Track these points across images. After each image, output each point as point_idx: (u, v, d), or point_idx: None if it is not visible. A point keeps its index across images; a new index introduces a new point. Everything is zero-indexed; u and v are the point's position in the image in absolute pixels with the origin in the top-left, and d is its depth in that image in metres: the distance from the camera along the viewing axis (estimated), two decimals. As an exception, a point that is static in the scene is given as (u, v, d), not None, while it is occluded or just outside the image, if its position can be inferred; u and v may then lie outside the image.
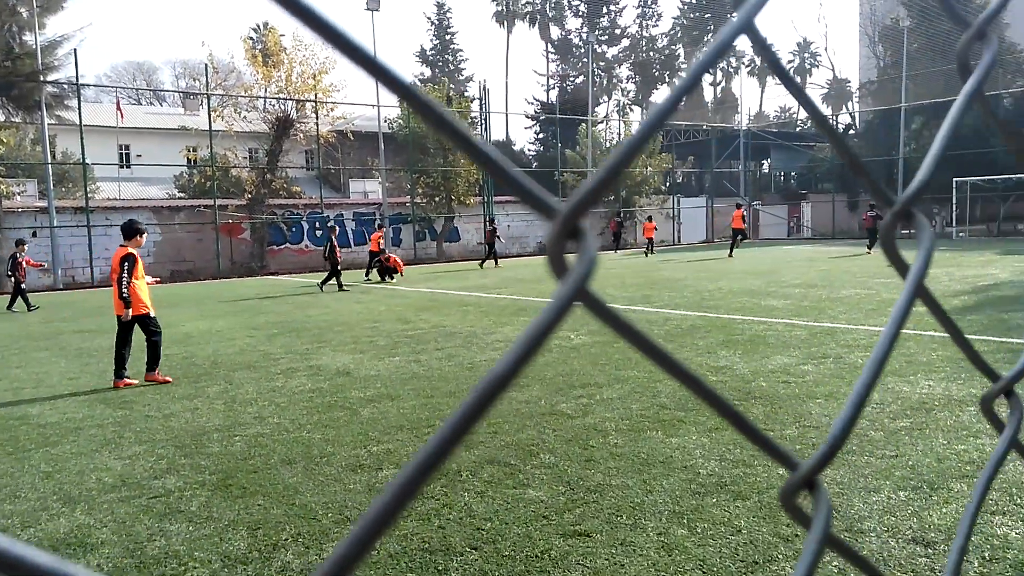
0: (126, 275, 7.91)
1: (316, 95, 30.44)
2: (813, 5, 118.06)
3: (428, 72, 63.32)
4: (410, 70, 62.42)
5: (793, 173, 49.99)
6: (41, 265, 19.85)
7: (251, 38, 37.12)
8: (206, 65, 29.09)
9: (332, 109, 31.62)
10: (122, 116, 36.88)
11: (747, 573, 3.38)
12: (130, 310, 8.03)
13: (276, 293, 19.38)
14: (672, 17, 79.36)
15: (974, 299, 12.20)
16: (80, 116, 25.42)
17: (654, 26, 68.41)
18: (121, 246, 8.13)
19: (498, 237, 27.22)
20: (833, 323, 10.17)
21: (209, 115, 28.74)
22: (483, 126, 35.58)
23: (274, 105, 30.63)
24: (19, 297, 16.96)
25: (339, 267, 19.18)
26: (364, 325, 12.09)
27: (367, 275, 22.82)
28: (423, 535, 3.91)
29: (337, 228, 21.60)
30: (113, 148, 38.41)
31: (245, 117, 30.56)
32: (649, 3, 66.87)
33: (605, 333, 10.08)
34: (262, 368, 8.73)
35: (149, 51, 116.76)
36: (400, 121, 34.68)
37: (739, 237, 27.92)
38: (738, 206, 29.05)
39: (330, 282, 19.21)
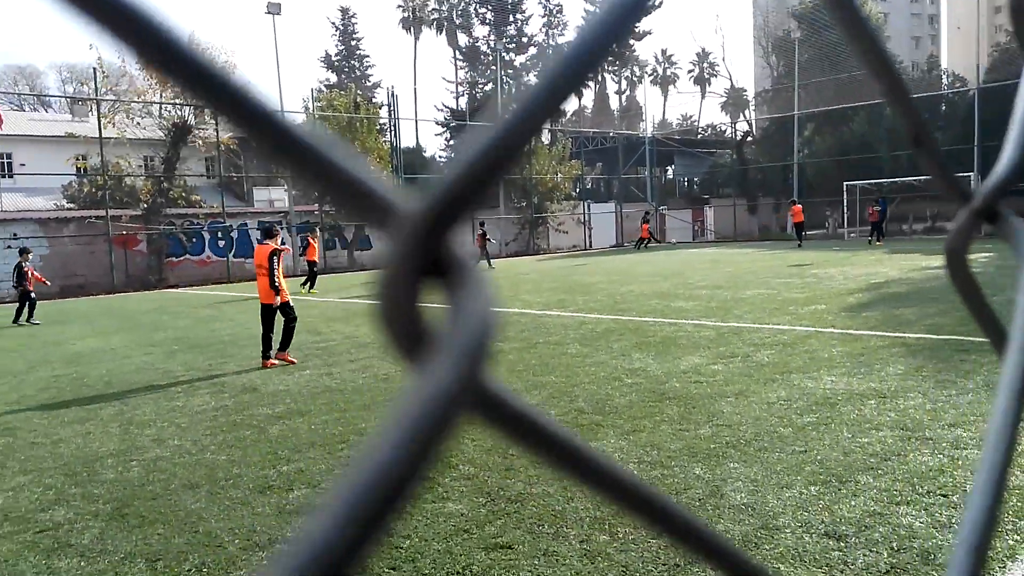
0: (277, 267, 9.19)
1: (216, 100, 29.31)
2: (710, 17, 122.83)
3: (334, 78, 62.14)
4: (315, 75, 61.20)
5: (696, 179, 51.71)
6: (44, 281, 18.45)
7: (145, 41, 35.31)
8: (95, 69, 27.59)
9: (234, 115, 30.52)
10: (2, 123, 34.56)
11: (670, 576, 3.37)
12: (279, 297, 9.20)
13: (176, 307, 18.50)
14: (576, 26, 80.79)
15: (868, 296, 12.85)
16: (-47, 122, 23.63)
17: (560, 35, 69.50)
18: (263, 244, 9.41)
19: (489, 239, 28.01)
20: (739, 323, 10.48)
21: (99, 121, 27.26)
22: (392, 132, 35.16)
23: (170, 111, 29.33)
24: (25, 308, 16.38)
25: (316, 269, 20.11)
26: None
27: (308, 287, 20.50)
28: (338, 557, 3.74)
29: (317, 232, 21.59)
30: (-8, 156, 35.90)
31: (139, 123, 29.14)
32: (555, 12, 67.88)
33: (520, 340, 10.07)
34: (161, 387, 8.26)
35: (32, 54, 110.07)
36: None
37: (646, 242, 31.94)
38: (645, 220, 32.93)
39: (312, 285, 20.02)
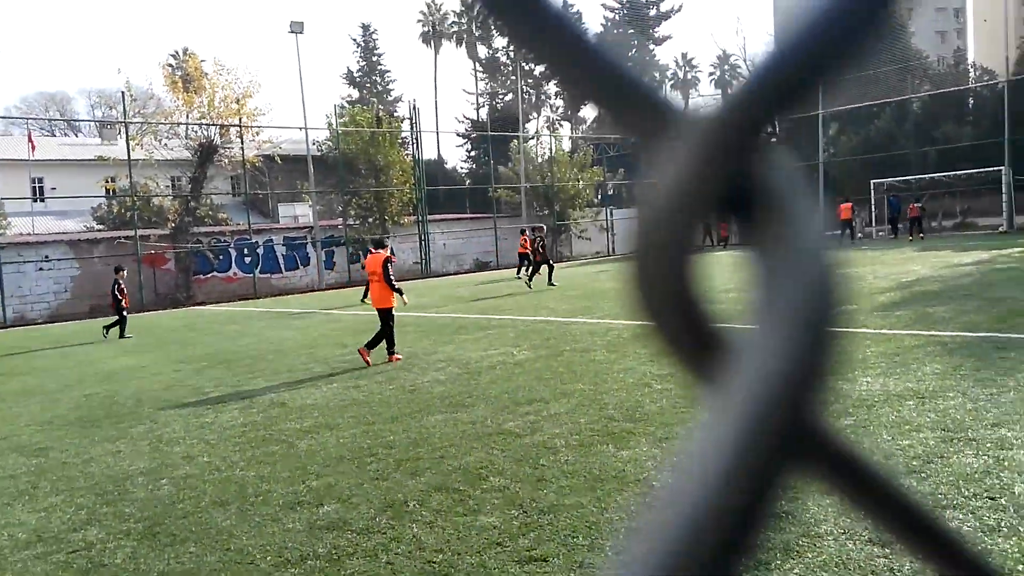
0: (392, 273, 10.20)
1: (240, 119, 29.70)
2: (731, 19, 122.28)
3: (356, 94, 62.74)
4: (338, 92, 61.77)
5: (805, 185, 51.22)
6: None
7: (170, 64, 35.99)
8: (123, 93, 28.07)
9: (258, 133, 30.88)
10: (34, 148, 35.29)
11: (709, 588, 3.27)
12: (398, 300, 10.21)
13: (204, 324, 18.68)
14: (595, 33, 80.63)
15: (899, 295, 12.59)
16: (-14, 149, 24.14)
17: (578, 42, 69.50)
18: (376, 253, 10.50)
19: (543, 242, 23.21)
20: (770, 326, 10.30)
21: (128, 143, 27.69)
22: (414, 145, 35.33)
23: (196, 131, 29.73)
24: (119, 323, 16.89)
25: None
26: (299, 352, 11.70)
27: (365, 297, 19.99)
28: (370, 573, 3.69)
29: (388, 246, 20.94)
30: (25, 181, 36.64)
31: (166, 145, 29.56)
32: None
33: (547, 348, 9.99)
34: (190, 404, 8.30)
35: (62, 81, 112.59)
36: (329, 143, 34.16)
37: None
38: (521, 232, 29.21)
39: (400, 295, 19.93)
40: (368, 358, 9.82)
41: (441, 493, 4.71)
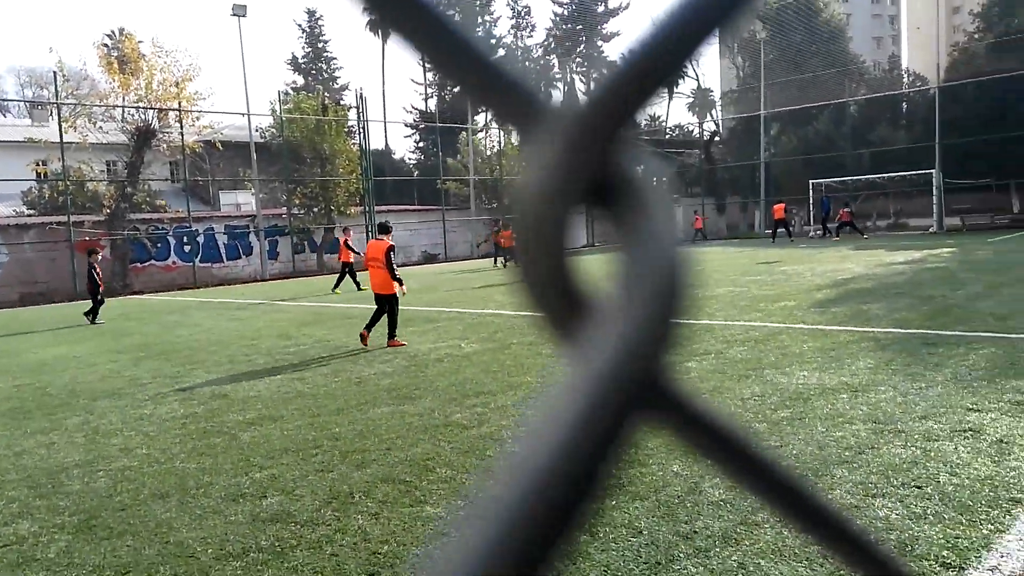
0: (395, 260, 10.13)
1: (180, 104, 28.87)
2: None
3: (301, 80, 61.57)
4: (282, 78, 60.56)
5: (664, 179, 52.02)
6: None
7: (105, 44, 34.68)
8: (55, 73, 26.99)
9: (198, 118, 30.08)
10: (-42, 127, 33.65)
11: (651, 574, 3.35)
12: (400, 287, 10.11)
13: (142, 314, 18.15)
14: (545, 28, 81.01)
15: (835, 292, 13.02)
16: (-94, 126, 22.93)
17: (528, 36, 69.63)
18: (380, 239, 10.25)
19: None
20: (711, 320, 10.55)
21: (60, 126, 26.66)
22: (361, 135, 34.90)
23: (133, 115, 28.79)
24: (95, 308, 16.40)
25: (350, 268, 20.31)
26: (241, 343, 11.48)
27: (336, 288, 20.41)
28: (315, 565, 3.66)
29: (350, 233, 21.85)
30: (-52, 162, 34.91)
31: (101, 128, 28.55)
32: (523, 14, 67.98)
33: (494, 342, 10.03)
34: (128, 395, 8.07)
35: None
36: (273, 130, 33.50)
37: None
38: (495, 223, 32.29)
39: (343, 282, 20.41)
40: (400, 342, 10.07)
41: (387, 484, 4.71)
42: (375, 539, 3.91)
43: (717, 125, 54.39)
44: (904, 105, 40.38)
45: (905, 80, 46.99)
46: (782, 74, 41.66)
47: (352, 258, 20.32)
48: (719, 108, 60.92)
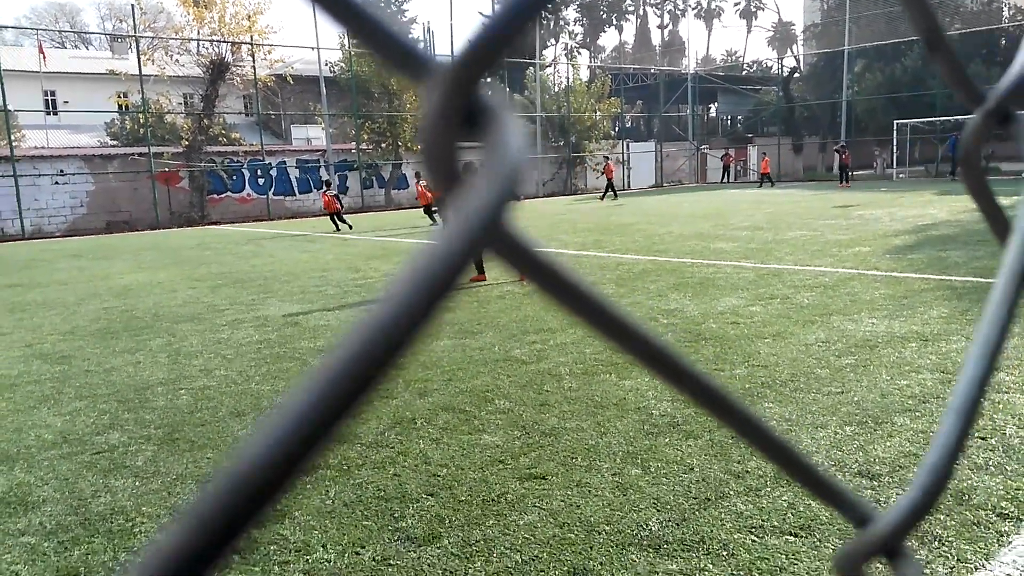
0: None
1: (252, 37, 29.20)
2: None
3: (371, 13, 61.19)
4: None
5: (740, 117, 50.37)
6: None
7: (181, -24, 35.15)
8: (132, 6, 27.57)
9: (270, 52, 30.41)
10: (45, 60, 34.92)
11: (700, 509, 3.43)
12: None
13: (219, 243, 18.85)
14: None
15: (913, 238, 12.54)
16: (-1, 59, 23.92)
17: (602, -34, 67.27)
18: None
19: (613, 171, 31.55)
20: (780, 264, 10.34)
21: (139, 59, 27.37)
22: (429, 69, 34.64)
23: (208, 48, 29.30)
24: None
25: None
26: (312, 275, 11.86)
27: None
28: (378, 483, 3.87)
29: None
30: (38, 94, 36.39)
31: (178, 61, 29.20)
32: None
33: (557, 278, 10.08)
34: (207, 320, 8.49)
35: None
36: (342, 64, 33.61)
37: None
38: (606, 158, 34.38)
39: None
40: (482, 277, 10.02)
41: (448, 413, 4.89)
42: (435, 462, 4.10)
43: (797, 61, 52.00)
44: (1003, 40, 37.70)
45: (1005, 13, 43.74)
46: (869, 6, 39.31)
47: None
48: (800, 43, 58.07)
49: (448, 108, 0.20)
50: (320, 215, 25.98)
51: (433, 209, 20.78)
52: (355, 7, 0.20)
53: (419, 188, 22.20)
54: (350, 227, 20.99)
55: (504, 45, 0.22)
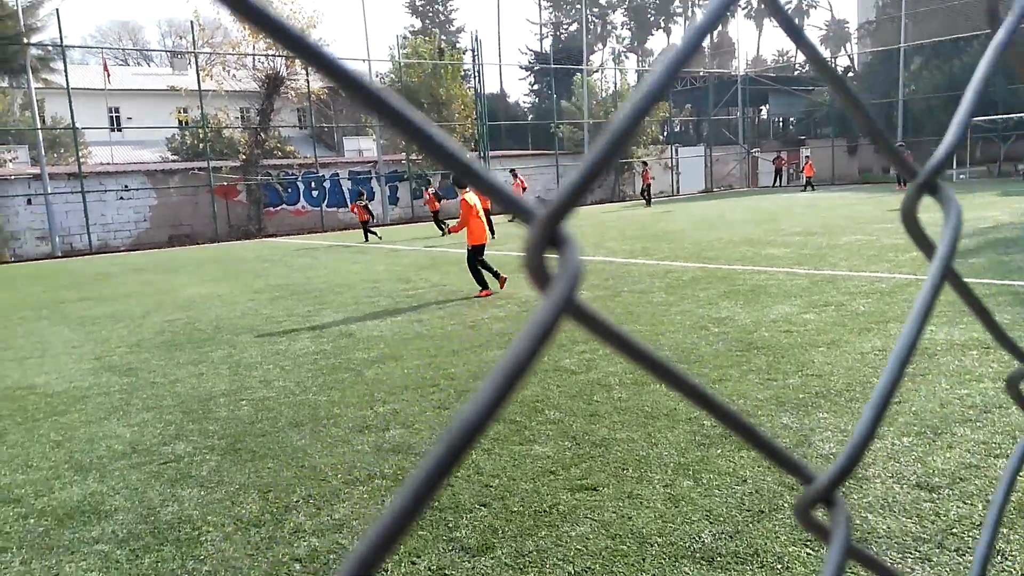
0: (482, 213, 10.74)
1: (306, 51, 29.86)
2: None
3: (418, 23, 62.11)
4: (400, 22, 61.23)
5: (792, 119, 49.43)
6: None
7: (237, -6, 36.05)
8: (192, 22, 28.53)
9: (323, 65, 31.04)
10: (109, 77, 36.34)
11: (753, 522, 3.42)
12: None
13: (275, 256, 19.34)
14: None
15: (975, 241, 12.17)
16: (67, 79, 24.97)
17: (647, -29, 66.87)
18: (463, 190, 10.53)
19: (654, 178, 32.86)
20: (834, 270, 10.16)
21: (198, 74, 28.29)
22: (476, 78, 35.03)
23: (263, 62, 30.12)
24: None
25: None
26: (364, 286, 12.09)
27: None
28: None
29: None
30: (103, 111, 37.91)
31: (235, 75, 30.09)
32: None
33: (605, 288, 10.10)
34: (265, 331, 8.75)
35: (133, 10, 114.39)
36: (392, 76, 34.14)
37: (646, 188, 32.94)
38: (644, 164, 33.75)
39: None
40: (503, 285, 10.46)
41: (499, 424, 4.95)
42: (487, 473, 4.17)
43: (851, 59, 50.83)
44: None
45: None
46: (926, 2, 38.22)
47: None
48: (854, 41, 56.76)
49: (544, 237, 0.30)
50: (374, 226, 26.37)
51: (441, 219, 22.54)
52: (453, 150, 0.30)
53: (427, 194, 23.78)
54: (379, 238, 22.04)
55: (581, 195, 0.31)
